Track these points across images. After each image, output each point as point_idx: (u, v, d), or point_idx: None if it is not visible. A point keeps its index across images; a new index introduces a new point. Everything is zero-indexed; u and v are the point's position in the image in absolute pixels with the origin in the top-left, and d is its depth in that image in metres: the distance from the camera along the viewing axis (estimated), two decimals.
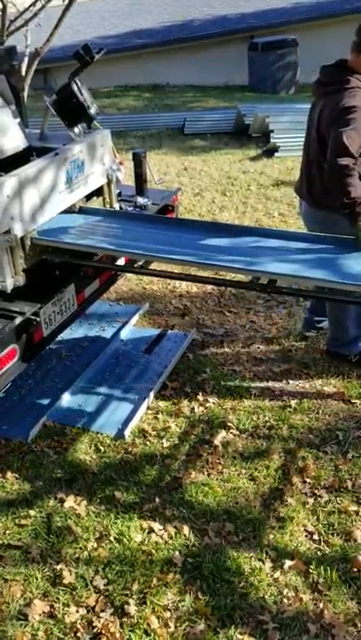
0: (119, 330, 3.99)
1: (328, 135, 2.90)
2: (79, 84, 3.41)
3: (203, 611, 2.32)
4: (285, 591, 2.40)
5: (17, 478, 2.90)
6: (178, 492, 2.81)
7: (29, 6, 6.87)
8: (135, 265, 3.16)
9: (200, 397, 3.39)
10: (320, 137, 3.01)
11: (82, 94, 3.39)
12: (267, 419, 3.23)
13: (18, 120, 3.55)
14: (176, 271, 3.13)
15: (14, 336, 2.85)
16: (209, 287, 4.49)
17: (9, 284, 2.88)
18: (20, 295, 2.98)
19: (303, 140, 3.26)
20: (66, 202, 3.29)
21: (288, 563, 2.50)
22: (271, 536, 2.61)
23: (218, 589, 2.40)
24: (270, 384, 3.50)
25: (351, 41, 2.96)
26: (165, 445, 3.08)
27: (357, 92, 2.85)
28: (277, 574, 2.46)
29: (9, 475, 2.92)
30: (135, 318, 4.13)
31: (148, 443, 3.10)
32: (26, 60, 6.91)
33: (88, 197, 3.56)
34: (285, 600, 2.37)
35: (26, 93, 5.52)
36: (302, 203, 3.34)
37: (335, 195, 2.87)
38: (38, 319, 2.96)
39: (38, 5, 6.86)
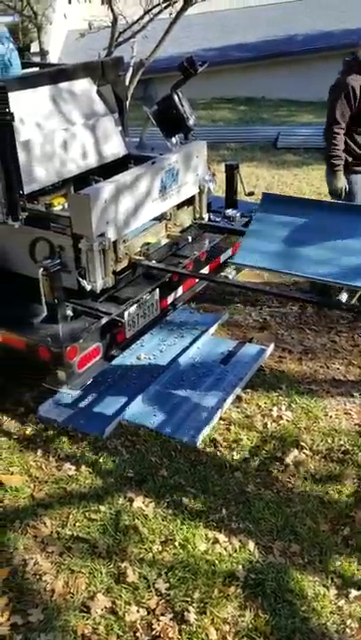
0: (197, 338, 4.00)
1: None
2: (180, 95, 3.48)
3: (262, 629, 2.28)
4: (349, 621, 2.31)
5: (90, 473, 2.97)
6: (245, 505, 2.78)
7: (138, 19, 7.06)
8: (224, 274, 3.16)
9: (274, 413, 3.35)
10: None
11: (182, 106, 3.46)
12: (342, 442, 3.14)
13: (120, 128, 3.67)
14: (260, 284, 3.10)
15: (99, 335, 2.94)
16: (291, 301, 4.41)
17: (99, 285, 2.97)
18: (107, 296, 3.06)
19: None
20: (158, 209, 3.36)
21: (354, 592, 2.41)
22: (338, 562, 2.52)
23: (279, 609, 2.35)
24: (348, 407, 3.40)
25: None
26: (236, 457, 3.05)
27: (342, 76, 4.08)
28: (342, 602, 2.38)
29: (83, 468, 3.00)
30: (214, 327, 4.13)
31: (218, 453, 3.09)
32: (130, 70, 7.09)
33: (179, 206, 3.61)
34: (348, 630, 2.28)
35: (127, 103, 5.67)
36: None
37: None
38: (123, 320, 3.04)
39: (146, 18, 7.04)
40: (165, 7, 6.82)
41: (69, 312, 2.88)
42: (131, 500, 2.81)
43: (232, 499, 2.82)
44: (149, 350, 3.90)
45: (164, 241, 3.48)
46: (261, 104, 12.37)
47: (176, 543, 2.61)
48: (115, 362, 3.39)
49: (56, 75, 3.51)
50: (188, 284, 3.58)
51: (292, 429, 3.23)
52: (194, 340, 3.98)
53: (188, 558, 2.54)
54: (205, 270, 3.68)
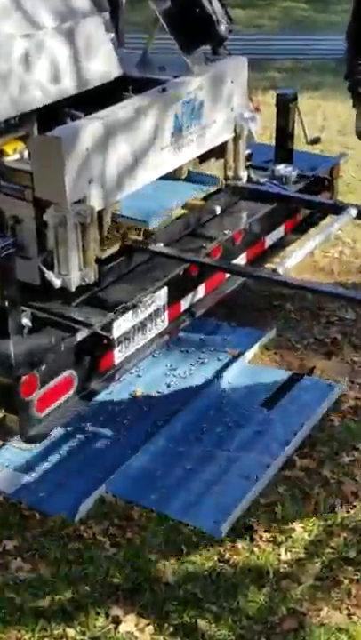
0: (227, 366, 4.03)
1: None
2: None
3: None
4: None
5: (53, 576, 2.97)
6: (298, 635, 2.77)
7: None
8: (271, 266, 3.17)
9: (346, 488, 3.36)
10: None
11: (210, 3, 3.49)
12: None
13: (111, 35, 3.69)
14: (326, 283, 3.12)
15: (73, 358, 2.95)
16: None
17: (74, 280, 3.00)
18: (87, 297, 3.09)
19: None
20: (170, 163, 3.39)
21: None
22: None
23: None
24: None
25: None
26: (284, 558, 3.05)
27: None
28: None
29: (43, 568, 2.99)
30: (253, 350, 4.16)
31: (256, 549, 3.09)
32: None
33: (203, 159, 3.64)
34: None
35: None
36: None
37: None
38: (111, 336, 3.06)
39: None
40: None
41: (27, 321, 2.91)
42: (117, 622, 2.80)
43: (277, 623, 2.81)
44: (151, 383, 3.92)
45: (178, 212, 3.50)
46: (332, 1, 12.43)
47: None
48: (96, 400, 3.42)
49: None
50: (214, 282, 3.61)
51: None
52: (221, 370, 4.00)
53: None
54: (241, 260, 3.72)
